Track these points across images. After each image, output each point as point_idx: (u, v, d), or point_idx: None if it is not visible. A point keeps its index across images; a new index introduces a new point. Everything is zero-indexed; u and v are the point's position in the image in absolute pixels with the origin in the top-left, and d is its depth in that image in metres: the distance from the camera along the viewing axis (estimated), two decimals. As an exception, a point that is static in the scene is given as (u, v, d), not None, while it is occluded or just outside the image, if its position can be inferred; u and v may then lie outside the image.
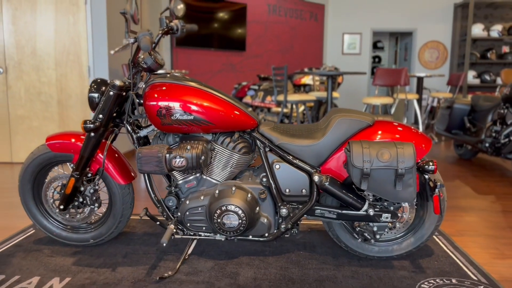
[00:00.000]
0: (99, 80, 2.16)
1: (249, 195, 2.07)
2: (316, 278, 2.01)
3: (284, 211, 2.10)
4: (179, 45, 6.61)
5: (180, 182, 2.15)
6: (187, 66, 6.84)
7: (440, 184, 1.99)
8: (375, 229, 2.10)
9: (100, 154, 2.22)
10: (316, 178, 2.03)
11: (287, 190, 2.11)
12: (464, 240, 2.55)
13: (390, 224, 2.09)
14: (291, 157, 2.10)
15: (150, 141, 2.25)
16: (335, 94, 6.36)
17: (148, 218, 2.16)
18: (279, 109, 6.13)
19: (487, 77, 8.53)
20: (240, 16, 7.32)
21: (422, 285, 1.96)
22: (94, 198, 2.25)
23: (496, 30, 8.39)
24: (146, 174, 2.16)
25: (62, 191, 2.25)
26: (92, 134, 2.10)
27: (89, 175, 2.23)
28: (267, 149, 2.13)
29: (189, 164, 1.97)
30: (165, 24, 2.13)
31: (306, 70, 6.55)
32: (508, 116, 4.18)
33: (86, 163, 2.16)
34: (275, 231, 2.15)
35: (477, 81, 8.54)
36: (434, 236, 2.56)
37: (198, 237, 2.16)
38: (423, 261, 2.22)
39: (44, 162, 2.26)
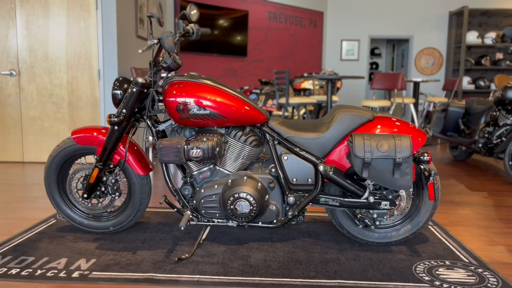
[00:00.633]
0: (121, 79, 2.35)
1: (259, 184, 2.25)
2: (321, 260, 2.19)
3: (291, 199, 2.29)
4: (183, 51, 6.82)
5: (195, 172, 2.33)
6: (190, 71, 7.04)
7: (434, 173, 2.18)
8: (375, 216, 2.29)
9: (121, 147, 2.40)
10: (321, 168, 2.22)
11: (294, 180, 2.29)
12: (457, 230, 2.74)
13: (389, 212, 2.28)
14: (298, 149, 2.29)
15: (167, 135, 2.43)
16: (334, 98, 6.56)
17: (167, 204, 2.34)
18: (280, 113, 6.32)
19: (482, 83, 8.77)
20: (241, 23, 7.54)
21: (418, 266, 2.14)
22: (115, 187, 2.43)
23: (490, 37, 8.64)
24: (164, 165, 2.34)
25: (86, 181, 2.43)
26: (116, 127, 2.28)
27: (111, 166, 2.41)
28: (275, 142, 2.32)
29: (205, 155, 2.16)
30: (182, 27, 2.32)
31: (305, 75, 6.76)
32: (500, 118, 4.38)
33: (109, 155, 2.34)
34: (283, 218, 2.33)
35: (472, 87, 8.78)
36: (430, 226, 2.74)
37: (212, 223, 2.34)
38: (419, 246, 2.40)
39: (69, 154, 2.44)
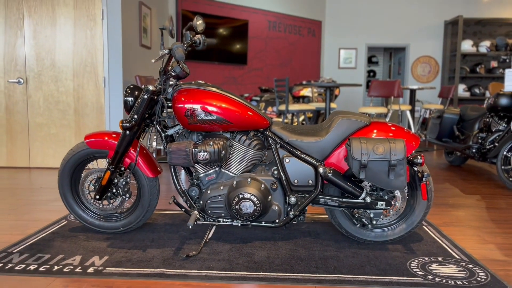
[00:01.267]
0: (132, 86, 2.49)
1: (263, 186, 2.39)
2: (321, 257, 2.32)
3: (292, 199, 2.42)
4: (185, 59, 6.97)
5: (202, 175, 2.47)
6: (191, 79, 7.20)
7: (426, 174, 2.32)
8: (371, 215, 2.43)
9: (132, 151, 2.54)
10: (321, 170, 2.36)
11: (296, 181, 2.43)
12: (450, 229, 2.87)
13: (385, 211, 2.42)
14: (299, 152, 2.43)
15: (175, 140, 2.57)
16: (332, 105, 6.72)
17: (175, 204, 2.48)
18: (280, 119, 6.47)
19: (477, 91, 8.95)
20: (242, 32, 7.71)
21: (412, 262, 2.27)
22: (126, 189, 2.56)
23: (485, 46, 8.84)
24: (173, 168, 2.47)
25: (98, 183, 2.56)
26: (127, 132, 2.42)
27: (122, 168, 2.55)
28: (278, 146, 2.46)
29: (212, 158, 2.30)
30: (189, 38, 2.47)
31: (304, 82, 6.93)
32: (493, 124, 4.54)
33: (121, 158, 2.48)
34: (285, 217, 2.47)
35: (467, 94, 8.95)
36: (424, 226, 2.88)
37: (217, 223, 2.47)
38: (413, 245, 2.54)
39: (82, 157, 2.57)
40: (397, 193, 2.48)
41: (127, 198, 2.59)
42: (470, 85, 9.20)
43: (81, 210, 2.66)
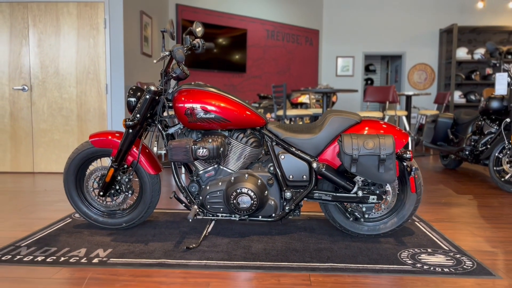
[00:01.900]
0: (135, 87, 2.62)
1: (259, 181, 2.50)
2: (315, 249, 2.43)
3: (288, 194, 2.54)
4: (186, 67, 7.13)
5: (201, 172, 2.58)
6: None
7: (415, 168, 2.44)
8: (364, 209, 2.54)
9: (134, 149, 2.66)
10: (314, 165, 2.47)
11: (291, 177, 2.54)
12: (441, 225, 2.98)
13: (376, 206, 2.53)
14: (293, 149, 2.54)
15: (176, 138, 2.68)
16: (330, 111, 6.85)
17: (176, 199, 2.59)
18: (278, 125, 6.60)
19: (473, 97, 9.09)
20: (240, 41, 7.88)
21: (403, 253, 2.38)
22: (128, 186, 2.68)
23: (479, 53, 9.00)
24: (173, 165, 2.59)
25: (101, 181, 2.68)
26: (130, 130, 2.54)
27: (125, 166, 2.66)
28: (274, 143, 2.58)
29: (210, 154, 2.42)
30: (189, 42, 2.61)
31: (302, 89, 7.07)
32: (485, 127, 4.66)
33: (124, 156, 2.60)
34: (281, 212, 2.58)
35: (463, 101, 9.10)
36: (416, 222, 2.98)
37: (216, 217, 2.58)
38: (405, 238, 2.64)
39: (86, 156, 2.69)
40: (388, 187, 2.59)
41: (129, 195, 2.71)
42: (466, 91, 9.34)
43: (86, 207, 2.77)
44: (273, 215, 2.56)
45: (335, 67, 9.55)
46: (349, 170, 2.36)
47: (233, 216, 2.58)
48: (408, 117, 7.29)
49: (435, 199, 3.77)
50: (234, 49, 7.80)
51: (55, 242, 2.51)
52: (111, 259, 2.24)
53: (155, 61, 2.40)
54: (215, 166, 2.58)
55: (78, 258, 2.26)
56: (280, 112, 5.59)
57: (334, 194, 2.52)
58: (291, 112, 5.54)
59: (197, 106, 2.45)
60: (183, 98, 2.47)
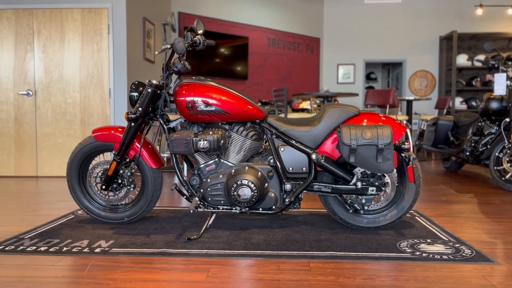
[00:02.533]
0: (136, 82, 2.67)
1: (260, 173, 2.54)
2: (315, 240, 2.45)
3: (288, 186, 2.56)
4: (188, 74, 7.21)
5: (202, 165, 2.62)
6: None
7: (413, 158, 2.46)
8: (363, 201, 2.56)
9: (136, 143, 2.70)
10: (314, 157, 2.50)
11: (291, 169, 2.58)
12: (441, 219, 2.99)
13: (376, 198, 2.55)
14: (293, 141, 2.58)
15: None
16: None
17: (177, 192, 2.63)
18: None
19: (474, 103, 9.12)
20: (242, 49, 7.97)
21: (402, 243, 2.39)
22: (130, 179, 2.71)
23: (480, 60, 9.06)
24: (175, 158, 2.63)
25: (104, 175, 2.72)
26: (132, 124, 2.59)
27: (127, 160, 2.70)
28: (273, 136, 2.61)
29: (211, 146, 2.45)
30: (190, 38, 2.66)
31: (303, 94, 7.12)
32: (485, 128, 4.69)
33: (126, 150, 2.64)
34: (281, 204, 2.60)
35: (464, 107, 9.13)
36: (416, 217, 3.00)
37: (217, 210, 2.61)
38: (404, 230, 2.66)
39: (89, 151, 2.73)
40: (388, 179, 2.61)
41: (131, 189, 2.74)
42: (467, 98, 9.38)
43: (88, 202, 2.80)
44: (274, 207, 2.59)
45: (336, 74, 9.62)
46: (347, 160, 2.39)
47: (233, 208, 2.61)
48: (409, 122, 7.32)
49: (436, 197, 3.79)
50: (236, 57, 7.89)
51: (58, 235, 2.54)
52: (113, 249, 2.27)
53: (156, 52, 2.45)
54: (216, 159, 2.61)
55: (80, 248, 2.29)
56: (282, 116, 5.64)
57: (334, 185, 2.55)
58: (292, 115, 5.59)
59: (198, 99, 2.49)
60: (184, 92, 2.52)
